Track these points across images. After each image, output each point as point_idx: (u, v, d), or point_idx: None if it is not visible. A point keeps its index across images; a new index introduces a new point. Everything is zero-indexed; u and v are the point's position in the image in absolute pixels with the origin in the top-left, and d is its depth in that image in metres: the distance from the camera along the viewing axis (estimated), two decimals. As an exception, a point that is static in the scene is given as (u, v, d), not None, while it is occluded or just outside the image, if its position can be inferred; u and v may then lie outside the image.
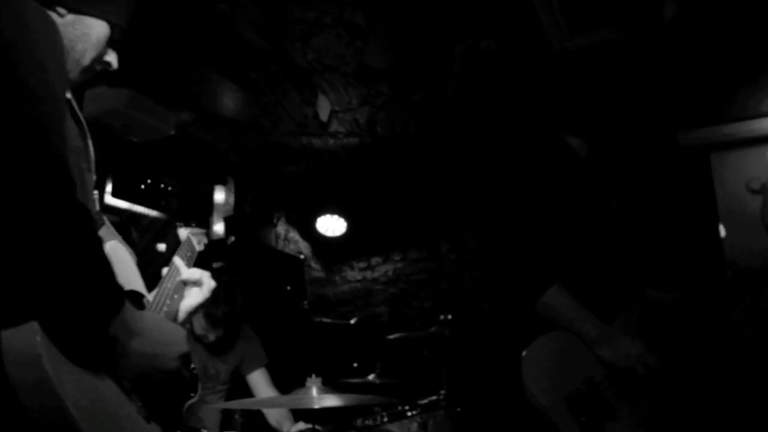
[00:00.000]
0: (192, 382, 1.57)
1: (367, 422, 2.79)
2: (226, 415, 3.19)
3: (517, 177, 2.67)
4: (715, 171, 4.04)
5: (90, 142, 1.48)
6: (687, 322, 2.41)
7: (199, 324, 3.16)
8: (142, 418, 1.28)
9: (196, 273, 1.71)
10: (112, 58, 1.55)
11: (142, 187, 4.14)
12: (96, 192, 1.52)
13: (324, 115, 4.17)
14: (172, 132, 3.83)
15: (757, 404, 2.86)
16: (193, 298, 1.68)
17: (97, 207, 1.51)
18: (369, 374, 3.31)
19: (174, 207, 4.34)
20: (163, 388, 1.34)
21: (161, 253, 4.27)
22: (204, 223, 2.27)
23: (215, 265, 3.47)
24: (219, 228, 4.66)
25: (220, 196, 4.77)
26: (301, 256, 5.14)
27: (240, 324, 3.47)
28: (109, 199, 3.90)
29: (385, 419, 2.79)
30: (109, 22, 1.47)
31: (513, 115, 4.18)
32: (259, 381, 3.36)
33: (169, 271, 1.70)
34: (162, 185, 4.30)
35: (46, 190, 1.01)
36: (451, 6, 3.15)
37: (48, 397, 1.02)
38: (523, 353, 2.15)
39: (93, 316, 1.10)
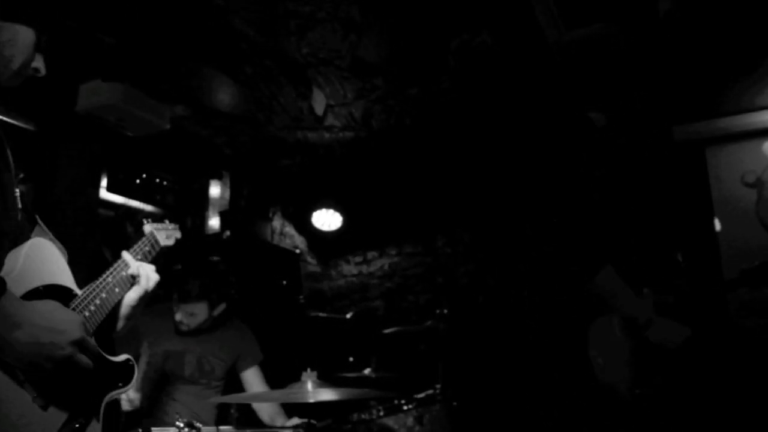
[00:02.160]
0: (123, 371, 1.59)
1: (363, 416, 2.79)
2: (222, 410, 3.19)
3: (512, 171, 2.68)
4: (710, 165, 4.04)
5: (5, 142, 1.50)
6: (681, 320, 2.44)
7: (180, 312, 3.16)
8: (38, 407, 1.31)
9: (138, 267, 1.77)
10: (39, 63, 1.57)
11: (137, 181, 4.13)
12: (17, 191, 1.53)
13: (319, 109, 4.16)
14: (167, 126, 3.82)
15: (757, 399, 2.87)
16: (134, 291, 1.74)
17: (19, 205, 1.53)
18: (365, 368, 3.31)
19: (169, 201, 4.34)
20: (57, 376, 1.34)
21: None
22: (177, 218, 2.32)
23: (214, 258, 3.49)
24: (214, 222, 4.65)
25: (215, 190, 4.76)
26: (297, 251, 5.14)
27: (235, 320, 3.46)
28: (104, 194, 3.89)
29: (381, 413, 2.80)
30: (33, 28, 1.49)
31: (508, 108, 4.18)
32: (253, 379, 3.35)
33: (114, 266, 1.76)
34: (157, 180, 4.29)
35: None
36: (446, 0, 3.14)
37: None
38: (589, 334, 2.18)
39: None
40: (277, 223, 5.24)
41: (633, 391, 2.15)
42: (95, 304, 1.60)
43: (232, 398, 2.81)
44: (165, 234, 2.14)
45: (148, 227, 2.09)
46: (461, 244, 5.09)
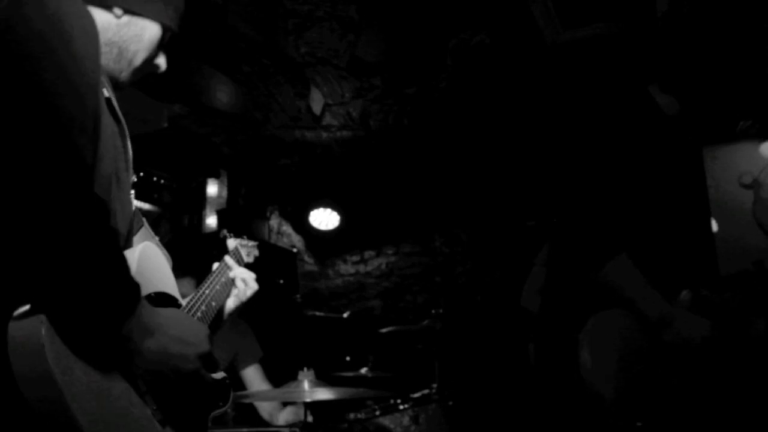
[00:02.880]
0: (222, 390, 1.48)
1: (359, 415, 2.80)
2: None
3: (509, 170, 2.66)
4: (707, 165, 4.04)
5: (129, 142, 1.45)
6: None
7: None
8: (156, 422, 1.21)
9: (244, 272, 1.74)
10: (161, 61, 1.56)
11: (134, 179, 4.12)
12: (133, 191, 1.49)
13: (317, 109, 4.16)
14: (165, 125, 3.81)
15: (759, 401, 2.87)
16: (231, 300, 1.71)
17: (132, 207, 1.48)
18: (361, 368, 3.31)
19: (166, 200, 4.33)
20: (181, 391, 1.27)
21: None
22: (251, 234, 2.26)
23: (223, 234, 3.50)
24: (212, 221, 4.65)
25: (212, 189, 4.75)
26: (294, 250, 5.14)
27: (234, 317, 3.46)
28: (101, 192, 3.89)
29: (378, 412, 2.80)
30: (162, 24, 1.48)
31: (505, 107, 4.19)
32: (254, 377, 3.35)
33: (214, 272, 1.70)
34: (154, 178, 4.28)
35: (59, 182, 1.00)
36: (444, 0, 3.15)
37: (48, 390, 0.99)
38: (581, 334, 1.98)
39: (104, 313, 1.07)
40: (274, 222, 5.24)
41: (620, 403, 1.93)
42: (197, 317, 1.53)
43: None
44: (246, 251, 2.09)
45: (232, 242, 2.03)
46: (459, 244, 5.10)
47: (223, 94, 3.98)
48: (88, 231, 1.04)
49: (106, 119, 1.30)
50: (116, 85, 1.48)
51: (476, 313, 4.71)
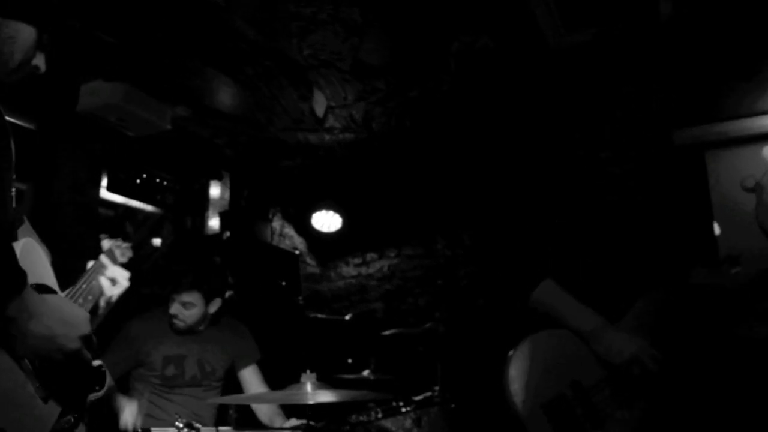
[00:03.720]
0: (98, 376, 1.66)
1: (361, 418, 2.80)
2: (221, 410, 3.19)
3: (512, 173, 2.66)
4: (710, 169, 4.05)
5: (12, 141, 1.52)
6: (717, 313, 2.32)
7: (175, 305, 3.16)
8: (39, 398, 1.34)
9: (115, 271, 1.85)
10: (39, 61, 1.58)
11: (138, 181, 4.14)
12: (13, 190, 1.56)
13: (320, 111, 4.17)
14: (168, 126, 3.82)
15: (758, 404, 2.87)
16: (107, 292, 1.80)
17: (14, 204, 1.56)
18: (363, 370, 3.31)
19: (169, 202, 4.34)
20: (64, 369, 1.39)
21: (156, 248, 4.27)
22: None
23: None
24: (214, 223, 4.65)
25: (215, 190, 4.76)
26: (296, 252, 5.14)
27: (231, 319, 3.46)
28: (104, 194, 3.90)
29: (380, 415, 2.80)
30: (35, 26, 1.50)
31: (508, 110, 4.19)
32: (251, 378, 3.35)
33: (85, 274, 1.80)
34: (157, 180, 4.29)
35: None
36: (447, 3, 3.15)
37: None
38: (509, 353, 2.05)
39: None
40: (276, 224, 5.24)
41: (530, 421, 1.93)
42: (78, 304, 1.65)
43: (232, 399, 2.81)
44: (119, 251, 2.18)
45: (106, 243, 2.13)
46: (461, 247, 5.10)
47: (225, 96, 3.99)
48: None
49: None
50: None
51: (478, 316, 4.71)
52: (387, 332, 3.45)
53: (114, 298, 1.84)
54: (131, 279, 1.90)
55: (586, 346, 2.10)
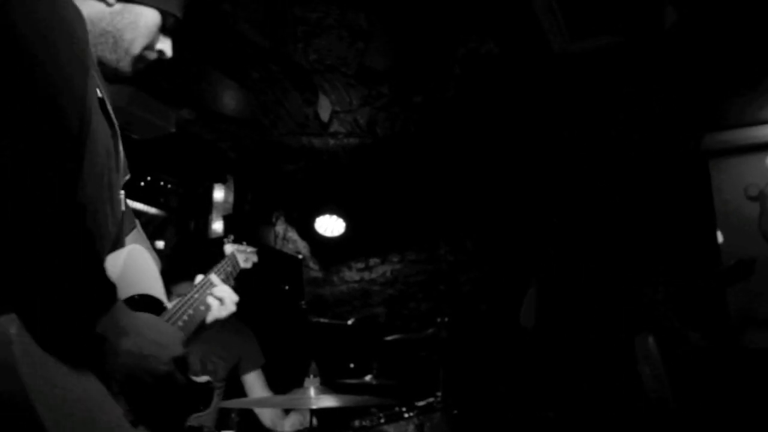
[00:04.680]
0: (203, 394, 1.51)
1: (363, 423, 2.80)
2: (223, 413, 3.19)
3: (516, 178, 2.68)
4: (714, 177, 4.05)
5: (120, 144, 1.45)
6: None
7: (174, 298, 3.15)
8: (127, 422, 1.22)
9: (224, 291, 1.73)
10: (165, 46, 1.52)
11: (142, 184, 4.14)
12: (123, 192, 1.49)
13: (324, 116, 4.18)
14: (173, 130, 3.83)
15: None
16: (216, 311, 1.69)
17: (123, 208, 1.48)
18: (366, 375, 3.31)
19: (173, 205, 4.35)
20: (154, 392, 1.27)
21: (159, 250, 4.28)
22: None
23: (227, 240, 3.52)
24: (218, 226, 4.66)
25: (219, 194, 4.77)
26: (300, 256, 5.14)
27: (237, 321, 3.46)
28: (108, 196, 3.90)
29: (382, 420, 2.80)
30: (158, 9, 1.45)
31: (513, 117, 4.19)
32: (254, 382, 3.35)
33: (200, 283, 1.71)
34: (161, 183, 4.30)
35: (38, 182, 0.99)
36: (453, 9, 3.16)
37: (11, 383, 0.98)
38: (637, 350, 2.18)
39: (78, 312, 1.07)
40: (280, 228, 5.25)
41: (681, 406, 2.12)
42: (183, 320, 1.54)
43: (235, 403, 2.81)
44: (244, 256, 2.13)
45: (229, 248, 2.06)
46: (464, 252, 5.10)
47: (230, 100, 4.00)
48: (63, 232, 1.03)
49: (98, 121, 1.29)
50: (117, 75, 1.46)
51: (480, 321, 4.71)
52: (390, 337, 3.45)
53: (219, 320, 1.71)
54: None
55: None
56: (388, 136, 4.44)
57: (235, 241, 2.14)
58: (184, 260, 4.29)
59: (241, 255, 2.09)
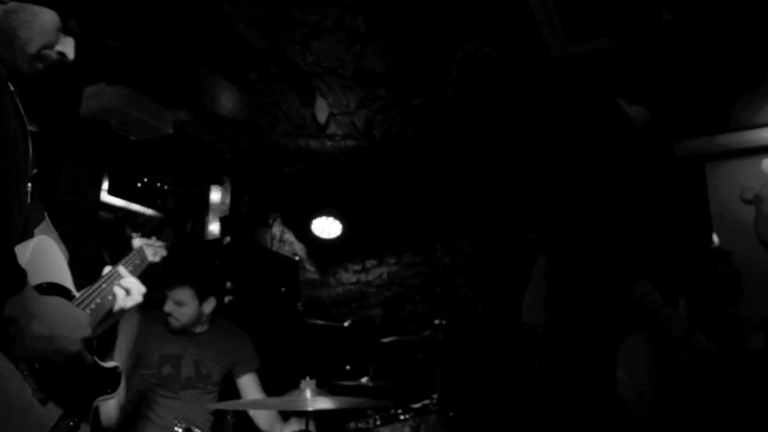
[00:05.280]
0: (111, 378, 1.62)
1: (359, 425, 2.80)
2: (218, 416, 3.18)
3: (513, 181, 2.68)
4: (710, 181, 4.06)
5: (29, 138, 1.47)
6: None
7: (168, 302, 3.15)
8: (36, 400, 1.30)
9: (131, 282, 1.78)
10: (66, 47, 1.51)
11: (138, 185, 4.14)
12: (30, 185, 1.51)
13: (322, 118, 4.18)
14: (170, 131, 3.83)
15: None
16: (123, 301, 1.74)
17: (28, 200, 1.51)
18: (362, 377, 3.31)
19: (170, 206, 4.34)
20: (64, 372, 1.35)
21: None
22: (168, 235, 2.38)
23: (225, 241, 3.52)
24: (215, 228, 4.66)
25: (216, 195, 4.76)
26: (296, 258, 5.14)
27: (232, 325, 3.46)
28: (105, 197, 3.90)
29: (378, 422, 2.80)
30: (54, 9, 1.44)
31: (510, 119, 4.20)
32: (249, 385, 3.34)
33: (108, 274, 1.76)
34: (158, 184, 4.29)
35: None
36: (450, 12, 3.17)
37: None
38: (618, 356, 2.14)
39: None
40: (276, 229, 5.25)
41: (657, 418, 2.08)
42: (91, 308, 1.61)
43: (230, 405, 2.80)
44: (152, 250, 2.19)
45: (137, 242, 2.13)
46: (461, 254, 5.10)
47: (228, 101, 4.00)
48: None
49: (9, 116, 1.33)
50: (16, 74, 1.46)
51: (477, 324, 4.71)
52: (386, 339, 3.44)
53: (125, 309, 1.78)
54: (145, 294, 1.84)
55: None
56: (386, 139, 4.44)
57: (142, 235, 2.21)
58: (180, 261, 4.29)
59: (149, 249, 2.16)
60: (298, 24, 3.21)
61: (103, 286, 1.71)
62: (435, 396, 3.01)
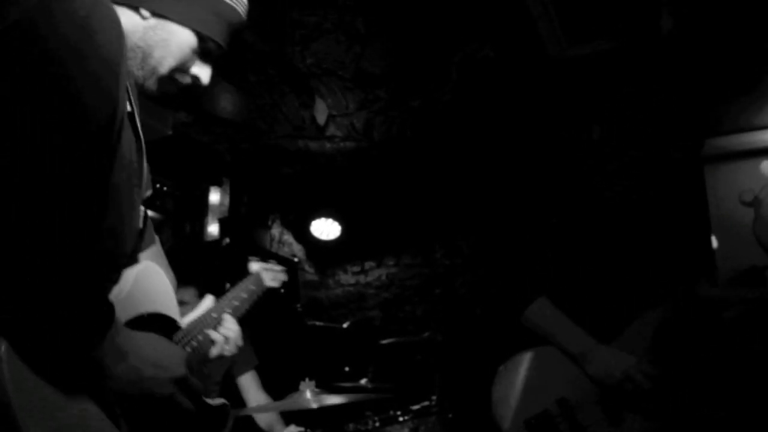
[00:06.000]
0: (217, 416, 1.47)
1: (358, 427, 2.79)
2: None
3: (512, 182, 2.67)
4: (708, 183, 4.06)
5: (144, 159, 1.38)
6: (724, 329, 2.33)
7: None
8: None
9: (231, 330, 1.65)
10: (200, 71, 1.41)
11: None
12: (143, 208, 1.42)
13: (321, 119, 4.18)
14: (169, 132, 3.82)
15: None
16: (218, 348, 1.61)
17: (140, 224, 1.41)
18: (361, 378, 3.31)
19: (169, 207, 4.34)
20: (157, 415, 1.22)
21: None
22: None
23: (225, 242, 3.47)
24: (213, 229, 4.65)
25: (215, 197, 4.76)
26: (295, 259, 5.12)
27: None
28: (105, 198, 3.89)
29: (377, 424, 2.80)
30: (195, 31, 1.35)
31: (510, 121, 4.21)
32: (250, 384, 3.35)
33: (212, 309, 1.65)
34: (157, 185, 4.29)
35: (39, 198, 0.92)
36: (450, 14, 3.17)
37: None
38: (499, 368, 2.09)
39: (72, 334, 1.02)
40: (276, 231, 5.25)
41: None
42: (198, 341, 1.49)
43: (234, 412, 2.79)
44: (271, 275, 2.07)
45: (255, 266, 2.01)
46: (460, 256, 5.10)
47: (227, 103, 3.99)
48: (60, 252, 0.97)
49: (127, 133, 1.23)
50: (143, 93, 1.40)
51: (476, 325, 4.71)
52: (385, 341, 3.45)
53: (224, 356, 1.63)
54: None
55: (575, 366, 2.12)
56: (385, 140, 4.45)
57: (262, 259, 2.08)
58: (180, 263, 4.29)
59: (268, 274, 2.03)
60: (298, 25, 3.21)
61: (214, 316, 1.59)
62: (434, 397, 3.00)
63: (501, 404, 2.00)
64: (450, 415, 2.93)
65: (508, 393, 2.03)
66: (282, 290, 2.04)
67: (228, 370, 3.33)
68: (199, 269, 3.45)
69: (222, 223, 4.64)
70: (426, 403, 2.99)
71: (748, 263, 3.45)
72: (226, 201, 4.81)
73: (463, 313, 4.92)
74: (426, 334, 3.31)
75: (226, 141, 4.48)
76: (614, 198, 2.47)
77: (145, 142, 1.38)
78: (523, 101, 4.00)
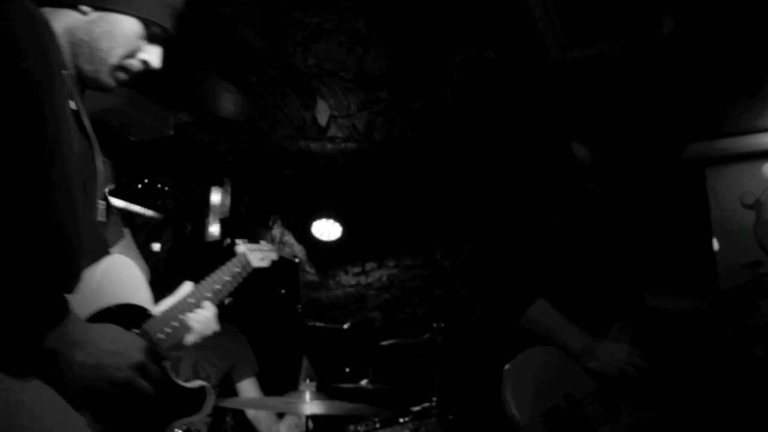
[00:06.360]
0: (192, 398, 1.52)
1: (359, 428, 2.79)
2: (217, 417, 3.18)
3: (513, 183, 2.67)
4: (710, 185, 4.07)
5: (98, 156, 1.44)
6: (682, 331, 2.39)
7: None
8: None
9: (206, 315, 1.67)
10: (151, 55, 1.48)
11: (139, 186, 4.14)
12: (103, 203, 1.45)
13: (322, 120, 4.18)
14: (171, 132, 3.83)
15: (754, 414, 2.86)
16: (194, 334, 1.65)
17: (102, 218, 1.44)
18: (361, 379, 3.31)
19: (170, 207, 4.34)
20: (120, 401, 1.26)
21: (155, 253, 4.27)
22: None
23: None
24: (214, 229, 4.65)
25: (216, 197, 4.76)
26: (296, 260, 5.14)
27: (231, 327, 3.45)
28: (105, 198, 3.89)
29: (377, 425, 2.80)
30: (137, 17, 1.41)
31: (510, 123, 4.21)
32: (249, 390, 3.33)
33: (189, 294, 1.66)
34: (158, 185, 4.29)
35: None
36: (452, 16, 3.17)
37: None
38: (505, 368, 2.12)
39: (20, 325, 1.07)
40: (277, 231, 5.25)
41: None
42: (172, 326, 1.52)
43: (229, 402, 2.80)
44: (260, 255, 2.05)
45: (240, 248, 2.00)
46: (460, 257, 5.10)
47: (229, 103, 4.00)
48: (13, 242, 1.04)
49: (72, 134, 1.29)
50: (99, 86, 1.46)
51: (476, 326, 4.71)
52: (385, 342, 3.45)
53: (199, 339, 1.67)
54: None
55: (575, 363, 2.16)
56: (386, 141, 4.45)
57: (250, 240, 2.06)
58: (180, 263, 4.29)
59: (255, 254, 2.01)
60: (299, 26, 3.21)
61: (191, 301, 1.62)
62: (434, 399, 3.01)
63: (515, 401, 2.04)
64: (450, 417, 2.93)
65: (521, 390, 2.07)
66: (268, 268, 2.04)
67: (227, 374, 3.33)
68: (200, 269, 3.44)
69: (223, 223, 4.65)
70: (426, 404, 2.99)
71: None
72: (227, 201, 4.82)
73: (463, 314, 4.91)
74: (426, 335, 3.31)
75: (228, 141, 4.48)
76: (611, 202, 2.47)
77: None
78: (524, 103, 4.00)
